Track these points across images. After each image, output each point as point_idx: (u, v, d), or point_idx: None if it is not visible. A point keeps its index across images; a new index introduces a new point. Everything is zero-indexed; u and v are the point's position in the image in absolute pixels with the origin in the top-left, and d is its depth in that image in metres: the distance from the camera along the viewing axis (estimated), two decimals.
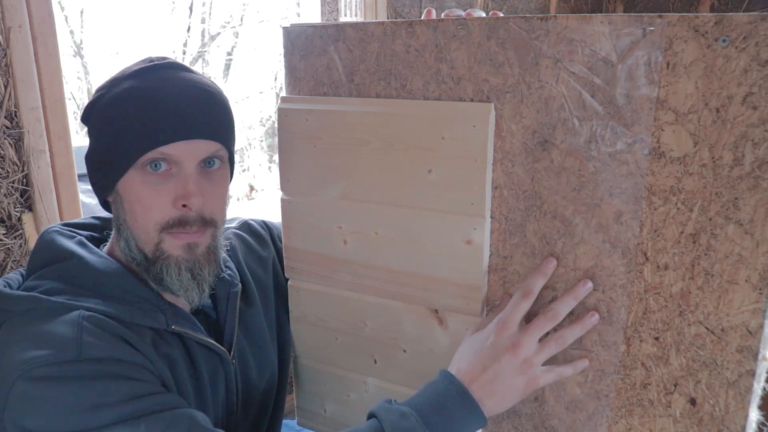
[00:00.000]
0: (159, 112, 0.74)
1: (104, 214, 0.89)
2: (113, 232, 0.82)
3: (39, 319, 0.70)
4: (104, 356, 0.68)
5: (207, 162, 0.78)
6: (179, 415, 0.69)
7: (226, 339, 0.88)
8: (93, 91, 0.82)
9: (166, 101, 0.74)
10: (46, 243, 0.79)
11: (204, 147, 0.76)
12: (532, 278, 0.72)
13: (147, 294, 0.78)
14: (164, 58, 0.80)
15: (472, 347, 0.74)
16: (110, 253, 0.82)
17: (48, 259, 0.78)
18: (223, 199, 0.82)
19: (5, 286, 0.77)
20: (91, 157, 0.80)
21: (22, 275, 0.81)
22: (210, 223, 0.79)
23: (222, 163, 0.81)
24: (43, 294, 0.73)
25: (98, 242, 0.85)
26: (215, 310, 0.90)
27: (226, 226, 1.02)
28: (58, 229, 0.82)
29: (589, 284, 0.71)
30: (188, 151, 0.75)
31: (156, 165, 0.75)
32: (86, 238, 0.83)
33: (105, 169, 0.78)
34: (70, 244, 0.78)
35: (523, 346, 0.70)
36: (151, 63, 0.78)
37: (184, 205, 0.76)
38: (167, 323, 0.78)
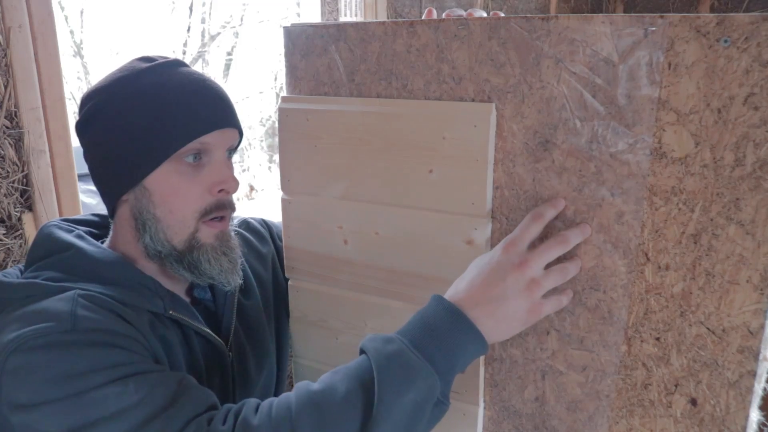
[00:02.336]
0: (196, 104, 0.77)
1: (104, 211, 0.89)
2: (124, 230, 0.82)
3: (36, 302, 0.71)
4: (98, 327, 0.69)
5: (228, 151, 0.82)
6: (168, 376, 0.69)
7: (224, 332, 0.88)
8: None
9: (199, 93, 0.77)
10: (44, 236, 0.80)
11: (231, 135, 0.81)
12: (544, 205, 0.70)
13: (146, 281, 0.79)
14: (165, 57, 0.81)
15: (475, 267, 0.70)
16: (110, 247, 0.83)
17: (46, 251, 0.78)
18: None
19: (4, 278, 0.77)
20: (103, 159, 0.79)
21: (20, 270, 0.81)
22: (234, 207, 0.84)
23: (232, 152, 0.85)
24: (43, 281, 0.74)
25: (97, 238, 0.86)
26: (214, 302, 0.90)
27: None
28: (56, 223, 0.83)
29: (588, 228, 0.69)
30: (221, 140, 0.79)
31: (196, 156, 0.78)
32: (85, 233, 0.83)
33: (129, 167, 0.77)
34: (69, 237, 0.79)
35: (531, 264, 0.66)
36: (156, 62, 0.79)
37: (220, 191, 0.79)
38: (165, 308, 0.79)
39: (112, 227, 0.84)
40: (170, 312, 0.79)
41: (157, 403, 0.65)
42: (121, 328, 0.71)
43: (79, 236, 0.81)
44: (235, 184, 0.81)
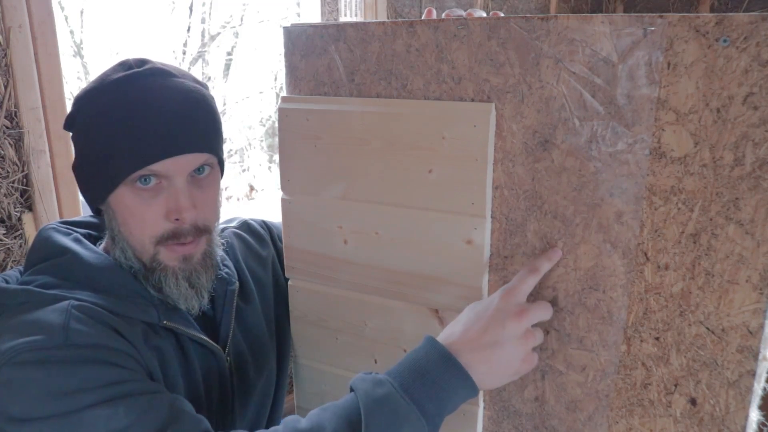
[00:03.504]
0: (144, 132, 0.73)
1: None
2: (107, 238, 0.83)
3: (30, 311, 0.71)
4: (90, 342, 0.69)
5: (197, 170, 0.78)
6: (159, 399, 0.68)
7: (222, 336, 0.88)
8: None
9: (151, 118, 0.73)
10: (42, 240, 0.80)
11: (192, 160, 0.77)
12: (539, 259, 0.71)
13: (140, 289, 0.79)
14: (144, 62, 0.78)
15: (472, 311, 0.71)
16: (106, 251, 0.83)
17: (44, 255, 0.79)
18: (215, 204, 0.82)
19: (2, 282, 0.77)
20: (78, 170, 0.80)
21: (20, 272, 0.82)
22: (204, 230, 0.80)
23: (211, 168, 0.81)
24: (38, 288, 0.74)
25: (95, 240, 0.86)
26: (212, 307, 0.90)
27: (226, 225, 1.02)
28: (55, 226, 0.83)
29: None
30: (177, 166, 0.75)
31: (145, 180, 0.75)
32: (83, 235, 0.83)
33: (93, 183, 0.78)
34: (66, 241, 0.79)
35: (530, 315, 0.68)
36: (131, 70, 0.76)
37: (177, 219, 0.76)
38: (159, 318, 0.78)
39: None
40: (164, 321, 0.78)
41: (147, 429, 0.65)
42: (114, 343, 0.70)
43: (77, 240, 0.80)
44: (190, 215, 0.76)
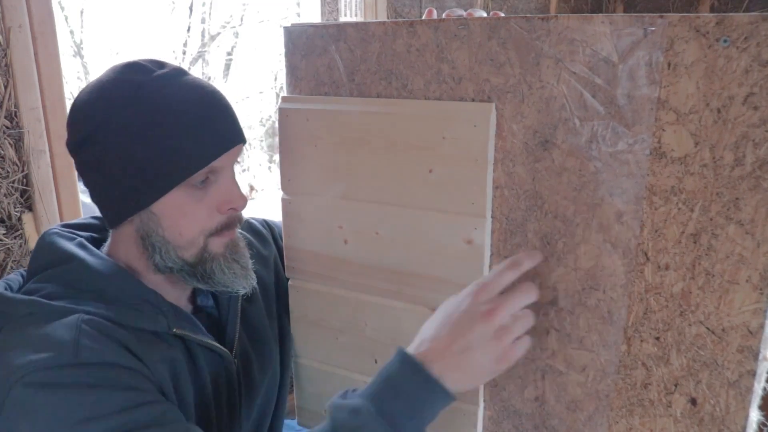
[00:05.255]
0: (205, 127, 0.73)
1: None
2: (110, 242, 0.82)
3: (38, 323, 0.69)
4: (101, 361, 0.67)
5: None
6: (171, 429, 0.67)
7: (228, 338, 0.88)
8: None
9: (206, 114, 0.73)
10: (46, 245, 0.78)
11: (238, 150, 0.79)
12: (522, 255, 0.70)
13: (148, 296, 0.77)
14: (161, 63, 0.76)
15: (443, 312, 0.69)
16: (110, 254, 0.82)
17: (48, 262, 0.77)
18: None
19: (6, 289, 0.76)
20: (105, 187, 0.75)
21: (22, 276, 0.81)
22: (243, 219, 0.83)
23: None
24: (44, 298, 0.72)
25: (99, 243, 0.85)
26: (217, 309, 0.90)
27: None
28: (58, 230, 0.81)
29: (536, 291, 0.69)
30: (229, 158, 0.77)
31: (204, 180, 0.75)
32: (86, 239, 0.82)
33: (133, 195, 0.73)
34: (71, 247, 0.78)
35: (500, 312, 0.65)
36: (158, 72, 0.73)
37: (229, 209, 0.78)
38: (168, 326, 0.77)
39: (111, 235, 0.82)
40: (173, 330, 0.77)
41: None
42: (125, 361, 0.69)
43: (81, 245, 0.79)
44: (244, 201, 0.79)
